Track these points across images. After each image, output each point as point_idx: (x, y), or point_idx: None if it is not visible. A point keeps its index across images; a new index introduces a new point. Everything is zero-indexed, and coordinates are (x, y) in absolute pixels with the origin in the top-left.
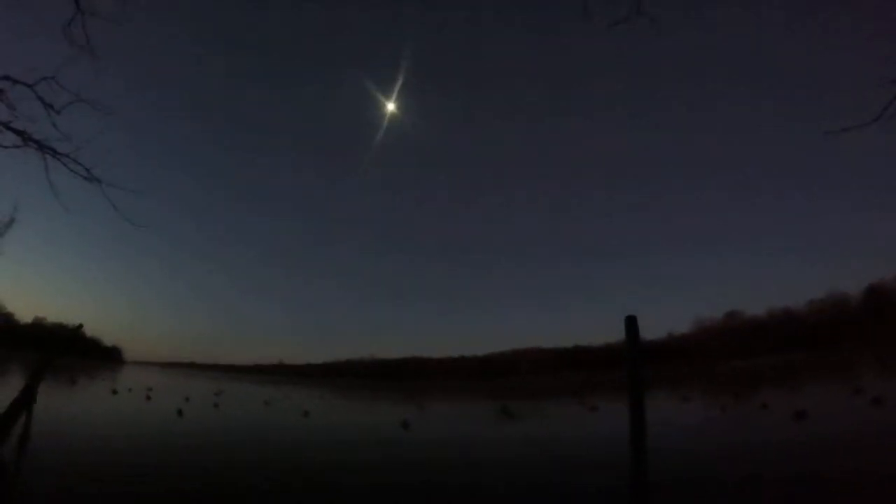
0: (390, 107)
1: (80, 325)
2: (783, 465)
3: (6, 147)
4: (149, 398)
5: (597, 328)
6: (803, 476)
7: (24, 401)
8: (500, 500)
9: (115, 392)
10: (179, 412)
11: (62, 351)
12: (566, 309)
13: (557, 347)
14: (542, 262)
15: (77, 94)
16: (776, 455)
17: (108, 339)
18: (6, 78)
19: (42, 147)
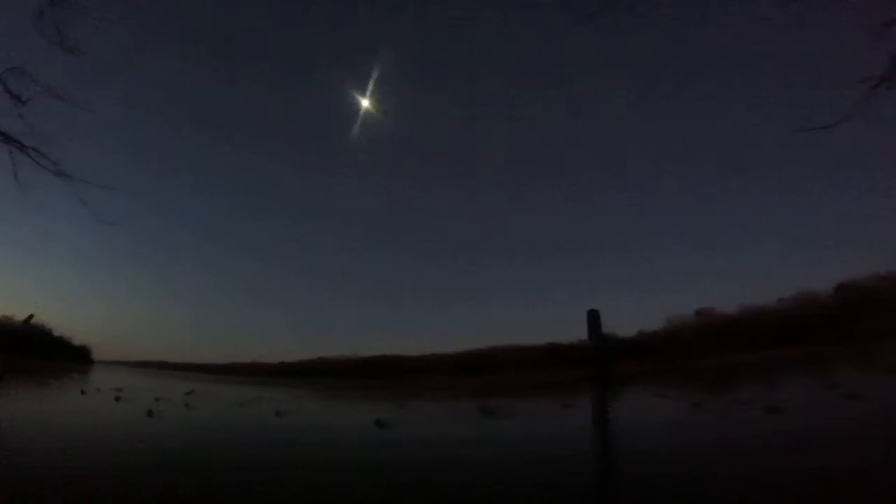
0: (364, 103)
1: (31, 316)
2: (755, 460)
3: None
4: (118, 399)
5: (571, 326)
6: (774, 470)
7: None
8: (473, 499)
9: (83, 392)
10: (149, 413)
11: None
12: (542, 306)
13: (536, 345)
14: (521, 259)
15: (46, 86)
16: (748, 450)
17: (77, 339)
18: None
19: (8, 140)
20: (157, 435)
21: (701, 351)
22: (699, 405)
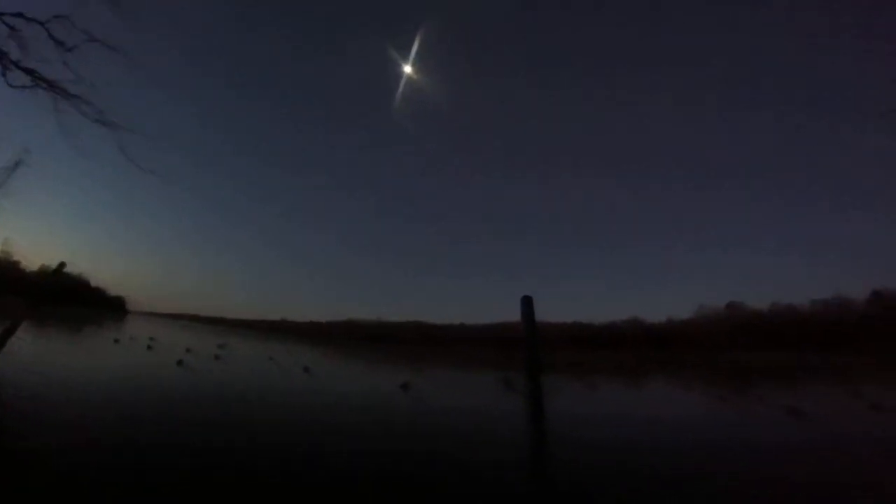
0: (407, 69)
1: (63, 264)
2: (775, 464)
3: (16, 87)
4: (150, 348)
5: (599, 308)
6: (792, 474)
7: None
8: (481, 472)
9: (116, 341)
10: (179, 362)
11: (42, 299)
12: (574, 287)
13: (562, 322)
14: (556, 240)
15: (91, 34)
16: (767, 451)
17: (112, 290)
18: (18, 15)
19: (53, 87)
20: (186, 386)
21: (728, 344)
22: (724, 400)
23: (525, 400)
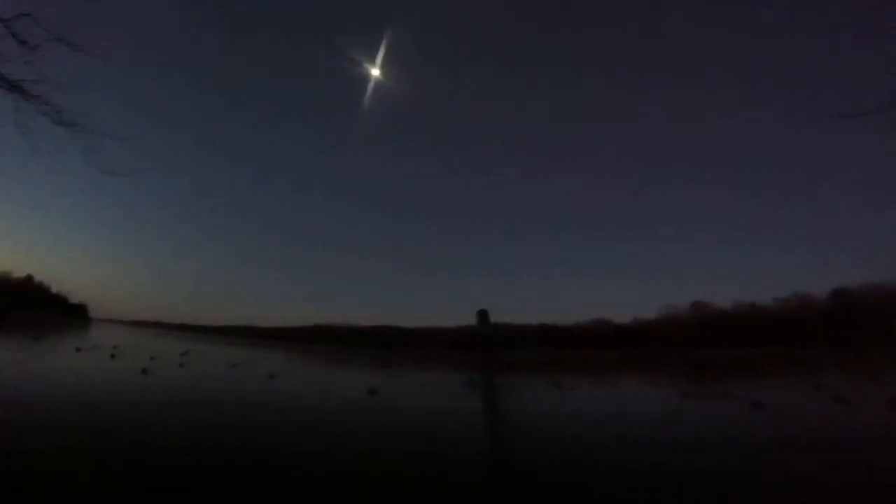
0: (375, 72)
1: (30, 276)
2: (737, 455)
3: None
4: (113, 356)
5: (567, 308)
6: (754, 465)
7: None
8: (447, 469)
9: (78, 350)
10: (144, 371)
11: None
12: (542, 288)
13: (530, 324)
14: (521, 238)
15: (55, 33)
16: (730, 443)
17: (74, 297)
18: None
19: (13, 87)
20: (150, 394)
21: (693, 342)
22: (687, 396)
23: (486, 400)
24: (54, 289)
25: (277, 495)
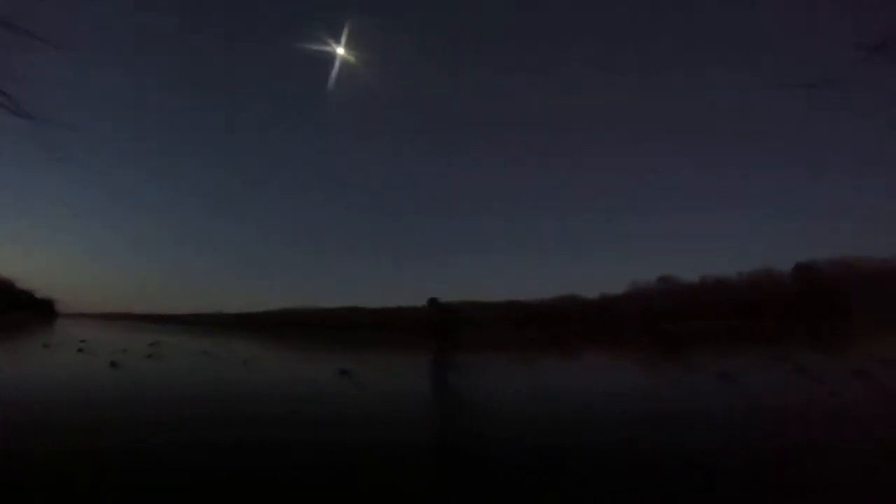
0: (340, 51)
1: None
2: (704, 427)
3: None
4: (81, 350)
5: (535, 284)
6: (718, 437)
7: None
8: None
9: (45, 346)
10: (113, 364)
11: None
12: (506, 264)
13: (498, 301)
14: (487, 216)
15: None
16: (697, 416)
17: (41, 292)
18: None
19: None
20: (120, 387)
21: (661, 316)
22: (656, 368)
23: (447, 381)
24: (19, 285)
25: (256, 486)
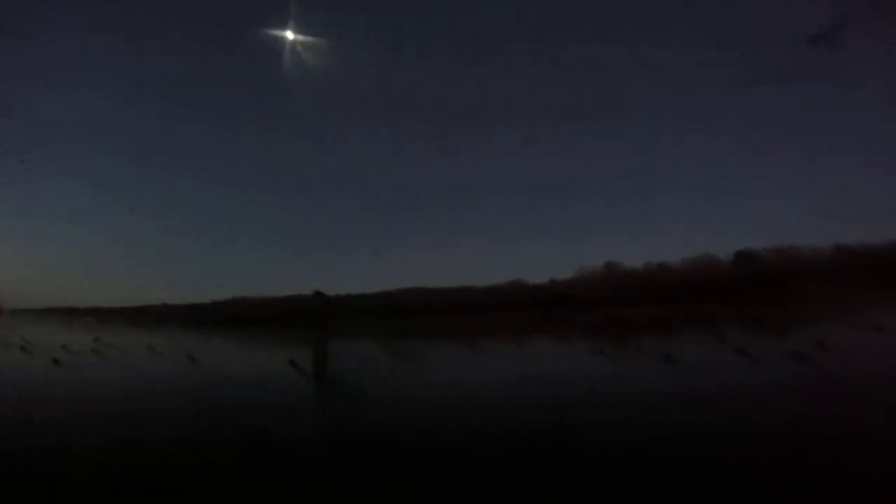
0: (289, 35)
1: None
2: (647, 406)
3: None
4: (23, 349)
5: (481, 271)
6: (661, 415)
7: None
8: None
9: None
10: (56, 361)
11: None
12: (456, 250)
13: (448, 287)
14: (432, 204)
15: None
16: (641, 396)
17: None
18: None
19: None
20: (63, 385)
21: (608, 302)
22: (604, 352)
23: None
24: None
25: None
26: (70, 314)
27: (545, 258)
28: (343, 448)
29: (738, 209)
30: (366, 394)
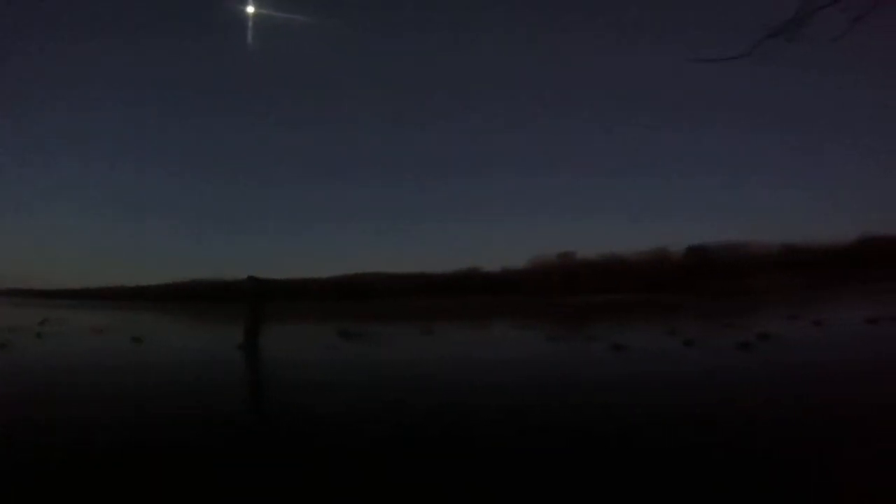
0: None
1: None
2: (590, 394)
3: None
4: None
5: (437, 258)
6: (603, 402)
7: None
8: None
9: None
10: (0, 345)
11: None
12: (412, 235)
13: (404, 273)
14: (387, 185)
15: None
16: (586, 383)
17: None
18: None
19: None
20: (8, 369)
21: (561, 290)
22: (556, 339)
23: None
24: None
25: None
26: (15, 295)
27: (500, 247)
28: (273, 426)
29: (691, 205)
30: (299, 372)
